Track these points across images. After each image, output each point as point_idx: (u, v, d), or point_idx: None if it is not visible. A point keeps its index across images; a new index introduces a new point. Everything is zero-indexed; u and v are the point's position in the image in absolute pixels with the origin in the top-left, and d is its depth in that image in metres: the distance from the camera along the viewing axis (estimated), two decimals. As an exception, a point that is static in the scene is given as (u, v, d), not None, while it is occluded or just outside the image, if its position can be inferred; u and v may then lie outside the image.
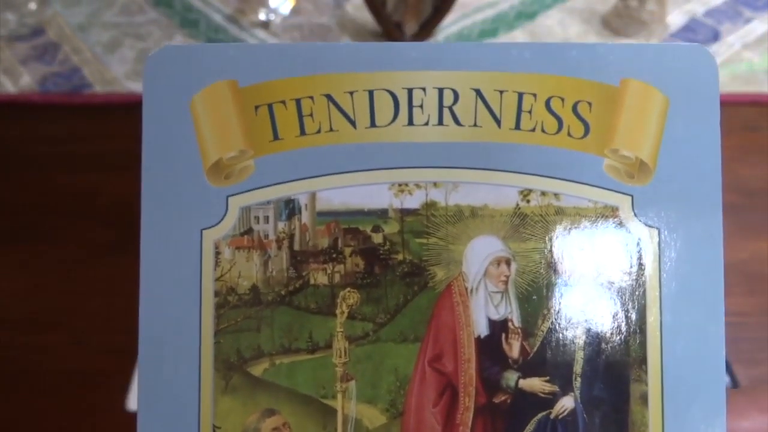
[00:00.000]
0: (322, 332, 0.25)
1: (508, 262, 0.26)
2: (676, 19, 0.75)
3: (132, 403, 0.48)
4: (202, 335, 0.25)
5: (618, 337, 0.25)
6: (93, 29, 0.69)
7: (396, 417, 0.25)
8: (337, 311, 0.25)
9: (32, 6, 0.63)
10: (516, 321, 0.26)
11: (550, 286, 0.26)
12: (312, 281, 0.25)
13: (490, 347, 0.26)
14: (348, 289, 0.25)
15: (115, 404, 0.47)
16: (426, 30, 0.71)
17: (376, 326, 0.25)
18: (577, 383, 0.25)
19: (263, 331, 0.25)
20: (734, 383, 0.45)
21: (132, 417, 0.47)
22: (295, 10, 0.70)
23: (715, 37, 0.72)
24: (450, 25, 0.74)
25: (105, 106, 0.65)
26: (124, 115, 0.65)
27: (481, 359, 0.25)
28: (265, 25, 0.67)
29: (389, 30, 0.69)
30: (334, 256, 0.26)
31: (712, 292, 0.26)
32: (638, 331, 0.25)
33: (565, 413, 0.25)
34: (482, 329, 0.26)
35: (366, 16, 0.68)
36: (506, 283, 0.26)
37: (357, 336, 0.25)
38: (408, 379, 0.25)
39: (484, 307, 0.26)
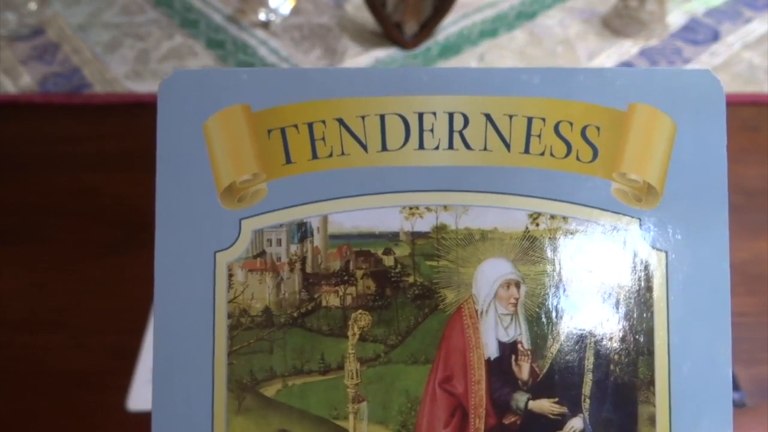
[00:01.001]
0: (334, 354, 0.26)
1: (517, 285, 0.26)
2: (675, 19, 0.75)
3: (132, 403, 0.48)
4: (216, 356, 0.25)
5: (626, 359, 0.26)
6: (93, 29, 0.70)
7: (407, 438, 0.25)
8: (349, 333, 0.26)
9: (32, 6, 0.63)
10: (525, 343, 0.26)
11: (558, 309, 0.26)
12: (324, 303, 0.26)
13: (500, 369, 0.26)
14: (359, 311, 0.26)
15: (115, 404, 0.47)
16: (426, 30, 0.71)
17: (388, 348, 0.26)
18: (586, 405, 0.26)
19: (276, 352, 0.26)
20: (742, 402, 0.46)
21: (132, 417, 0.47)
22: (295, 10, 0.70)
23: (715, 37, 0.72)
24: (450, 25, 0.74)
25: (105, 106, 0.65)
26: (124, 115, 0.65)
27: (491, 381, 0.26)
28: (265, 25, 0.68)
29: (389, 30, 0.69)
30: (346, 278, 0.26)
31: (719, 313, 0.26)
32: (646, 353, 0.26)
33: (574, 434, 0.26)
34: (492, 351, 0.26)
35: (366, 16, 0.68)
36: (516, 305, 0.26)
37: (368, 358, 0.26)
38: (419, 400, 0.26)
39: (494, 329, 0.26)
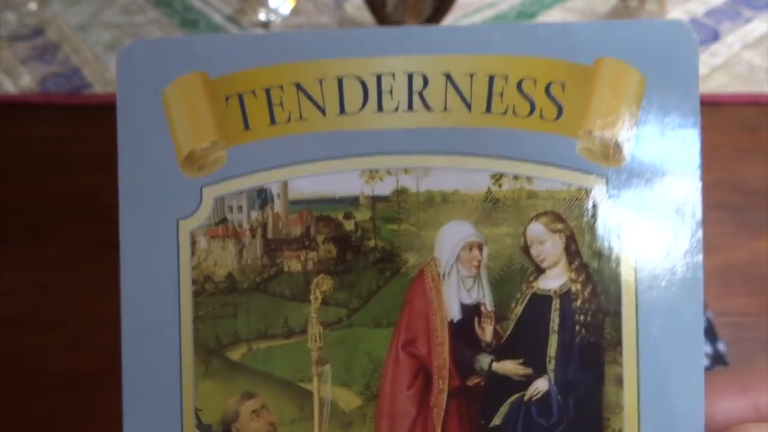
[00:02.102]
0: (297, 318, 0.26)
1: (480, 247, 0.26)
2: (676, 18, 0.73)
3: None
4: (182, 322, 0.26)
5: (592, 320, 0.25)
6: (93, 29, 0.69)
7: (371, 399, 0.26)
8: (311, 297, 0.26)
9: (32, 6, 0.63)
10: (488, 305, 0.26)
11: (522, 271, 0.26)
12: (286, 268, 0.26)
13: (463, 331, 0.26)
14: (321, 275, 0.26)
15: (115, 404, 0.47)
16: (426, 30, 0.69)
17: (350, 312, 0.26)
18: (551, 366, 0.25)
19: (240, 317, 0.26)
20: (721, 354, 0.45)
21: None
22: (295, 10, 0.69)
23: (715, 37, 0.70)
24: (450, 25, 0.73)
25: (105, 106, 0.63)
26: None
27: (454, 343, 0.26)
28: (266, 25, 0.67)
29: (389, 31, 0.68)
30: (307, 243, 0.26)
31: (689, 269, 0.25)
32: (613, 313, 0.25)
33: (539, 395, 0.25)
34: (455, 314, 0.26)
35: (366, 16, 0.67)
36: (478, 267, 0.26)
37: (331, 321, 0.26)
38: (382, 363, 0.26)
39: (457, 291, 0.26)
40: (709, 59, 0.68)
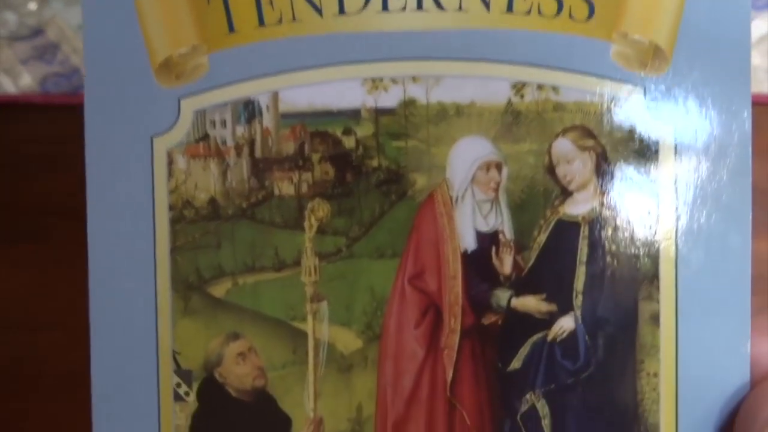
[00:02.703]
0: (289, 248, 0.23)
1: (498, 167, 0.22)
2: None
3: None
4: (157, 253, 0.23)
5: (625, 250, 0.22)
6: None
7: (373, 340, 0.23)
8: (306, 225, 0.23)
9: (32, 6, 0.61)
10: (508, 233, 0.23)
11: (547, 194, 0.23)
12: (276, 192, 0.23)
13: (479, 263, 0.23)
14: (317, 200, 0.23)
15: None
16: None
17: (349, 241, 0.23)
18: (578, 302, 0.22)
19: (224, 248, 0.23)
20: None
21: None
22: None
23: None
24: None
25: None
26: None
27: (468, 276, 0.23)
28: None
29: None
30: (301, 163, 0.23)
31: (739, 197, 0.22)
32: (649, 243, 0.22)
33: (564, 335, 0.22)
34: (469, 243, 0.23)
35: None
36: (496, 190, 0.23)
37: (328, 252, 0.23)
38: (386, 299, 0.23)
39: (472, 217, 0.23)
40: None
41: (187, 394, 0.23)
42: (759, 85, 0.63)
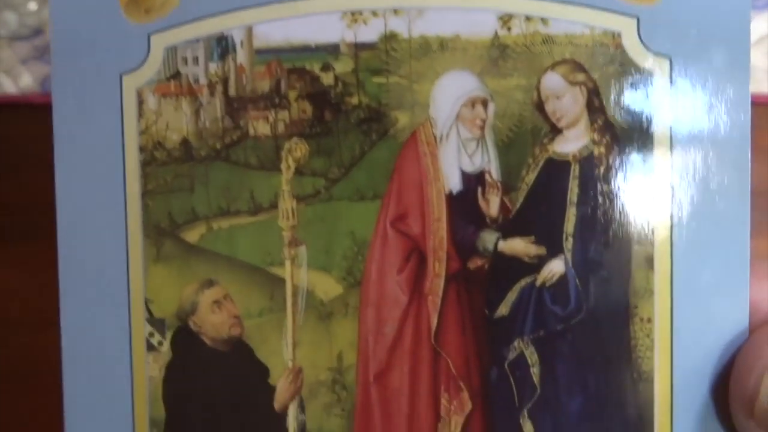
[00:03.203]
0: (266, 191, 0.22)
1: (484, 103, 0.21)
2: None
3: None
4: (128, 197, 0.22)
5: (618, 190, 0.21)
6: None
7: (354, 286, 0.22)
8: (282, 166, 0.22)
9: (32, 6, 0.60)
10: (494, 173, 0.22)
11: (535, 131, 0.22)
12: (252, 132, 0.22)
13: (464, 204, 0.22)
14: (294, 139, 0.22)
15: None
16: None
17: (329, 183, 0.22)
18: (569, 244, 0.21)
19: (197, 191, 0.22)
20: None
21: None
22: None
23: None
24: None
25: None
26: None
27: (453, 219, 0.22)
28: None
29: None
30: (277, 101, 0.22)
31: (738, 130, 0.21)
32: (643, 181, 0.21)
33: (554, 279, 0.21)
34: (454, 184, 0.22)
35: None
36: (482, 128, 0.22)
37: (306, 194, 0.22)
38: (367, 244, 0.22)
39: (457, 157, 0.22)
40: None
41: (160, 343, 0.22)
42: (759, 86, 0.63)
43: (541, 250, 0.22)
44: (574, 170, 0.21)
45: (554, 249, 0.22)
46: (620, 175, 0.21)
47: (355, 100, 0.22)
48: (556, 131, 0.22)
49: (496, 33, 0.21)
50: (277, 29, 0.21)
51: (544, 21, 0.21)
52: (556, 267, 0.22)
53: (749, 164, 0.21)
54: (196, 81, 0.22)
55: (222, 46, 0.22)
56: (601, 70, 0.21)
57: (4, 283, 0.52)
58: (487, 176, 0.22)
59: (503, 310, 0.22)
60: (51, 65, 0.22)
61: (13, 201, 0.56)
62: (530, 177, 0.22)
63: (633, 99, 0.21)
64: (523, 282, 0.22)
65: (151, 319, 0.22)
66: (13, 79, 0.60)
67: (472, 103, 0.21)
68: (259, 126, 0.22)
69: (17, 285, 0.52)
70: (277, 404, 0.22)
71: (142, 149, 0.22)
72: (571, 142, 0.22)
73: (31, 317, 0.50)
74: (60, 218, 0.22)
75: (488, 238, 0.22)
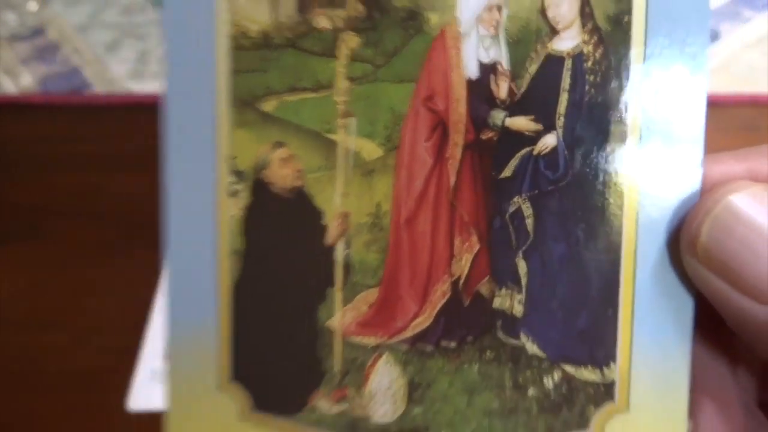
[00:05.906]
0: (325, 73, 0.28)
1: (499, 8, 0.27)
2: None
3: (132, 403, 0.48)
4: (218, 75, 0.28)
5: (602, 81, 0.27)
6: (93, 29, 0.68)
7: (391, 150, 0.28)
8: (338, 54, 0.27)
9: (32, 6, 0.62)
10: (505, 64, 0.27)
11: (538, 32, 0.27)
12: (316, 26, 0.28)
13: (480, 88, 0.28)
14: (349, 32, 0.27)
15: (115, 404, 0.48)
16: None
17: (375, 68, 0.27)
18: (560, 123, 0.27)
19: (272, 72, 0.28)
20: None
21: (133, 417, 0.46)
22: None
23: (715, 37, 0.69)
24: None
25: (105, 106, 0.64)
26: (124, 115, 0.64)
27: (470, 99, 0.28)
28: None
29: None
30: (336, 2, 0.27)
31: (696, 21, 0.26)
32: (620, 73, 0.27)
33: (547, 150, 0.27)
34: (473, 71, 0.27)
35: None
36: (497, 28, 0.27)
37: (357, 76, 0.28)
38: (403, 117, 0.28)
39: (475, 50, 0.27)
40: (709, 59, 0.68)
41: (240, 191, 0.28)
42: (759, 86, 0.66)
43: (539, 126, 0.27)
44: (567, 64, 0.27)
45: (549, 126, 0.27)
46: (603, 68, 0.27)
47: (398, 3, 0.27)
48: (554, 32, 0.27)
49: (511, -48, 0.27)
50: (339, -55, 0.27)
51: (549, -57, 0.27)
52: (549, 140, 0.27)
53: (707, 65, 0.26)
54: (274, -16, 0.28)
55: (295, -43, 0.27)
56: (596, -17, 0.27)
57: (4, 283, 0.53)
58: (498, 66, 0.27)
59: (507, 172, 0.28)
60: (160, -30, 0.28)
61: (13, 201, 0.58)
62: (533, 68, 0.27)
63: (617, 8, 0.27)
64: (523, 151, 0.28)
65: (235, 171, 0.28)
66: (13, 79, 0.63)
67: (490, 8, 0.27)
68: (322, 21, 0.28)
69: (17, 285, 0.53)
70: (329, 239, 0.28)
71: (231, 37, 0.28)
72: (566, 41, 0.27)
73: (32, 317, 0.52)
74: (169, 92, 0.28)
75: (497, 116, 0.28)
